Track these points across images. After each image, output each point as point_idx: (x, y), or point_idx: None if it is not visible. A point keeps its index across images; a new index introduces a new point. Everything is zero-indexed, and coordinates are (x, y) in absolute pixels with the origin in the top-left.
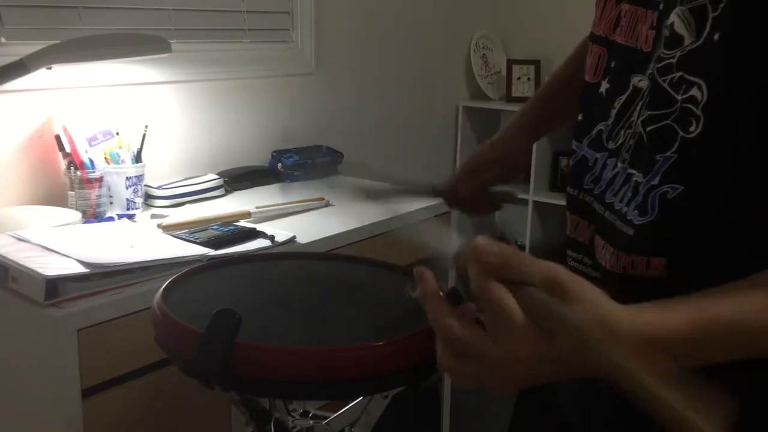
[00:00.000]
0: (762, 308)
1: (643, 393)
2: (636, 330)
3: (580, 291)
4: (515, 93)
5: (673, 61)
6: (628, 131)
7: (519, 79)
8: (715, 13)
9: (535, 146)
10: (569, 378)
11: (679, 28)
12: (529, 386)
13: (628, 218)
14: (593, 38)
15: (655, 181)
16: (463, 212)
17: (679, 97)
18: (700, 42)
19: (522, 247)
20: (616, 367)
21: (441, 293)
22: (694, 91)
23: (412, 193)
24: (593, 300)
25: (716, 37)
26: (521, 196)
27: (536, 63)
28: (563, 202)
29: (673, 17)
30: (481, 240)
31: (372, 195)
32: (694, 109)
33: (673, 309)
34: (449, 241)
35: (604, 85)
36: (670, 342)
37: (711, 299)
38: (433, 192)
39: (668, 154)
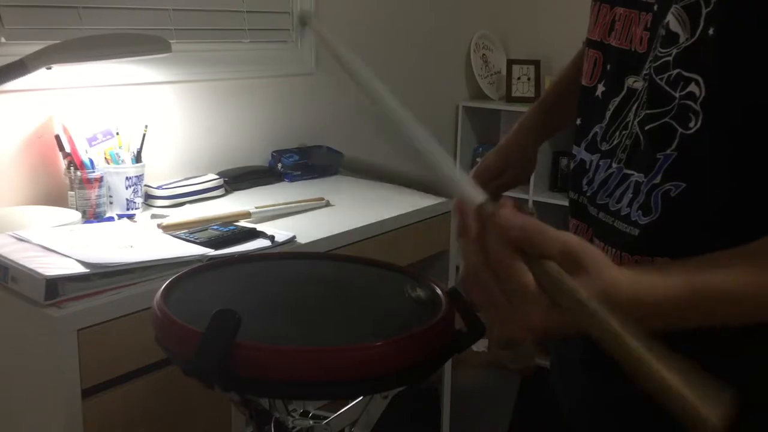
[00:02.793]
0: (748, 280)
1: (638, 364)
2: (634, 296)
3: (589, 261)
4: (515, 93)
5: (670, 58)
6: (624, 132)
7: (519, 79)
8: (708, 9)
9: None
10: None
11: (675, 26)
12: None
13: (633, 219)
14: (589, 43)
15: (657, 180)
16: None
17: (676, 95)
18: (695, 38)
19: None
20: (615, 337)
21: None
22: (692, 87)
23: (423, 184)
24: (599, 269)
25: (711, 32)
26: (521, 196)
27: (536, 63)
28: (563, 202)
29: (669, 16)
30: (506, 212)
31: (383, 176)
32: (693, 105)
33: (670, 276)
34: (476, 191)
35: (600, 88)
36: (665, 306)
37: (704, 269)
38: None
39: (668, 152)
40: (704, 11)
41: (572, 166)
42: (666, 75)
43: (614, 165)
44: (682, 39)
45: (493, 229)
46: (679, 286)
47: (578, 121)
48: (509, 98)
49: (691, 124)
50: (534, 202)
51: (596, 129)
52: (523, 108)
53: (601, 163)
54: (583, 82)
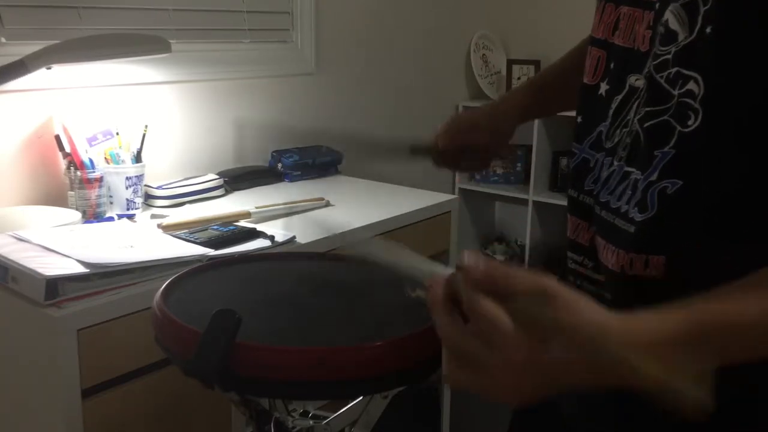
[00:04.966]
0: (755, 313)
1: (651, 384)
2: (631, 338)
3: (569, 299)
4: None
5: (669, 57)
6: (624, 129)
7: (519, 79)
8: (706, 7)
9: (534, 146)
10: (569, 389)
11: (673, 24)
12: (531, 398)
13: (630, 216)
14: (592, 41)
15: (654, 177)
16: (448, 167)
17: (675, 93)
18: (693, 36)
19: (522, 247)
20: (614, 361)
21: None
22: (691, 85)
23: (390, 153)
24: (583, 307)
25: (708, 30)
26: (521, 195)
27: (536, 63)
28: (563, 202)
29: (668, 14)
30: (467, 257)
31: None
32: (693, 102)
33: (668, 315)
34: (442, 266)
35: (604, 87)
36: (665, 345)
37: (705, 305)
38: (412, 150)
39: (666, 149)
40: (702, 9)
41: (573, 164)
42: (665, 73)
43: (615, 163)
44: (680, 37)
45: (462, 283)
46: (679, 323)
47: (579, 119)
48: None
49: (690, 122)
50: (534, 202)
51: (601, 128)
52: None
53: (605, 161)
54: (585, 80)
